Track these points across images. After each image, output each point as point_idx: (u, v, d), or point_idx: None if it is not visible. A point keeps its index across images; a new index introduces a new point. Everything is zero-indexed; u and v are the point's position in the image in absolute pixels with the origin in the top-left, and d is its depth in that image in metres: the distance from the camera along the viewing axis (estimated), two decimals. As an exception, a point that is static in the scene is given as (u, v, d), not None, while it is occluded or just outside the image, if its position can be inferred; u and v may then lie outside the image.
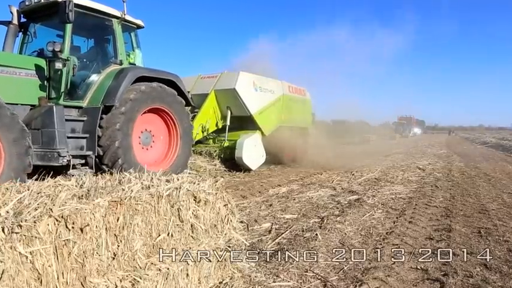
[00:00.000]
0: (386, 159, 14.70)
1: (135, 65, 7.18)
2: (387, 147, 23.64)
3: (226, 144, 10.37)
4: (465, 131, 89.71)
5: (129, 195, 2.43)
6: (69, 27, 6.02)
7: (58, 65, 5.79)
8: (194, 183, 3.02)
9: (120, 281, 2.23)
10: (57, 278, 1.98)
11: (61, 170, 5.77)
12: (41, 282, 1.91)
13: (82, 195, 2.41)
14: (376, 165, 12.04)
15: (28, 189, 2.43)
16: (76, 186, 2.72)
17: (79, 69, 6.30)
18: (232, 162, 9.97)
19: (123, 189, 2.53)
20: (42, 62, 5.95)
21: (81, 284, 2.08)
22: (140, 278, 2.31)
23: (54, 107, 5.66)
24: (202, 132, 10.28)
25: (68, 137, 5.80)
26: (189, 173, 7.29)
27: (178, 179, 3.02)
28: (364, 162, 12.70)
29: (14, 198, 2.20)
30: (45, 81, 6.00)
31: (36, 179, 2.82)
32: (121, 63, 6.88)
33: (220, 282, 2.93)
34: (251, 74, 10.76)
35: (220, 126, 10.65)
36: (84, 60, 6.77)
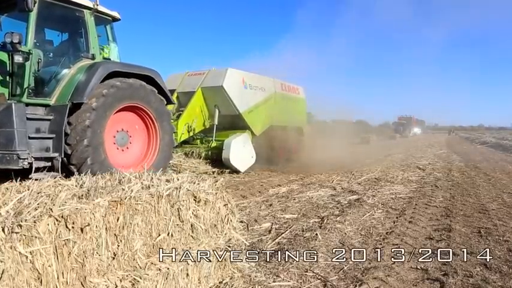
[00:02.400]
0: (386, 159, 14.71)
1: (109, 59, 6.65)
2: (387, 147, 23.65)
3: (213, 144, 9.85)
4: (465, 130, 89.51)
5: (129, 195, 2.43)
6: (32, 16, 5.45)
7: (18, 58, 5.20)
8: (194, 183, 3.03)
9: (120, 280, 2.23)
10: (57, 278, 1.98)
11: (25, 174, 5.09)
12: (41, 282, 1.91)
13: (82, 195, 2.41)
14: (376, 165, 12.05)
15: (28, 189, 2.44)
16: (76, 186, 2.73)
17: (47, 64, 5.83)
18: (221, 163, 9.47)
19: (123, 189, 2.54)
20: (4, 56, 5.36)
21: (81, 284, 2.08)
22: (140, 278, 2.31)
23: (13, 105, 5.04)
24: (188, 132, 9.72)
25: (32, 138, 5.24)
26: (189, 174, 7.06)
27: (178, 179, 3.03)
28: (364, 162, 12.71)
29: (14, 198, 2.21)
30: (7, 77, 5.42)
31: (35, 179, 2.82)
32: (93, 58, 6.33)
33: (220, 282, 2.93)
34: (240, 71, 10.39)
35: (207, 126, 10.13)
36: (54, 54, 6.24)
